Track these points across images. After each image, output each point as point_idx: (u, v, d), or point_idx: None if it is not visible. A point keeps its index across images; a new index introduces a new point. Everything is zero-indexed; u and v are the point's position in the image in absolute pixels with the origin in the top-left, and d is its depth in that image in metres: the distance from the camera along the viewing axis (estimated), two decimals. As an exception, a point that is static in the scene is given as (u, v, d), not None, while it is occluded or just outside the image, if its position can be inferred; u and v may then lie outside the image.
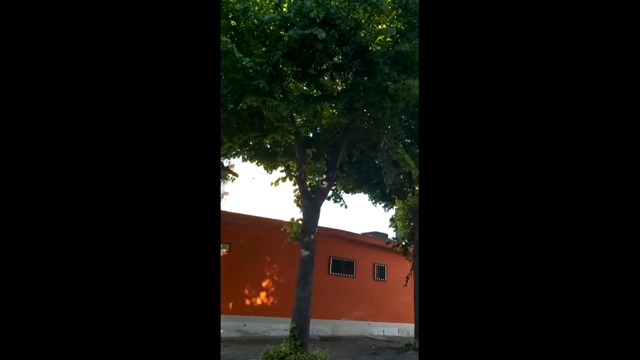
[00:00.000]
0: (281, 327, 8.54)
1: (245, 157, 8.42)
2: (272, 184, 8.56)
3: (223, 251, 9.02)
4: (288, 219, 7.58)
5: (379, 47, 6.10)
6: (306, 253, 6.62)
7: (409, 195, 9.07)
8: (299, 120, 7.44)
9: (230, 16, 5.55)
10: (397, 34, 5.75)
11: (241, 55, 5.10)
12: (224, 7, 5.34)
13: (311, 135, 7.95)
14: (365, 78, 5.82)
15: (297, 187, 7.76)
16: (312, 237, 6.72)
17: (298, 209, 7.49)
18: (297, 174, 7.28)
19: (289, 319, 6.42)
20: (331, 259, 11.01)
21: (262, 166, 8.66)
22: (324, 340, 8.90)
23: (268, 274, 9.88)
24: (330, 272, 10.96)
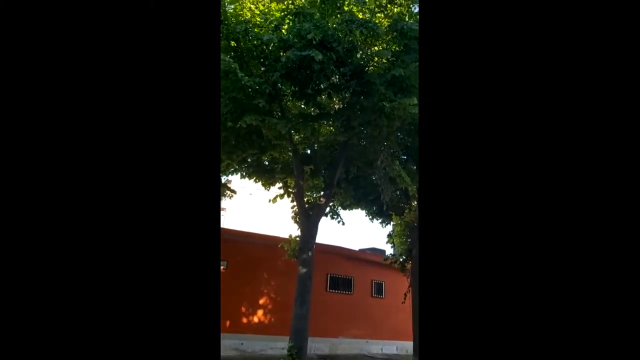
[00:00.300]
0: (279, 345, 8.44)
1: (244, 173, 8.48)
2: (270, 200, 8.60)
3: (220, 268, 8.97)
4: (286, 236, 7.59)
5: (376, 68, 6.26)
6: (304, 270, 6.61)
7: (406, 211, 9.12)
8: (297, 137, 7.54)
9: (231, 37, 5.71)
10: (392, 56, 5.91)
11: (242, 74, 5.23)
12: (225, 29, 5.51)
13: (309, 152, 8.05)
14: (362, 98, 5.95)
15: (294, 203, 7.81)
16: (309, 253, 6.72)
17: (296, 226, 7.52)
18: (295, 190, 7.33)
19: (287, 337, 6.37)
20: (329, 275, 10.94)
21: (260, 183, 8.72)
22: (322, 358, 8.78)
23: (265, 291, 9.80)
24: (328, 289, 10.87)
